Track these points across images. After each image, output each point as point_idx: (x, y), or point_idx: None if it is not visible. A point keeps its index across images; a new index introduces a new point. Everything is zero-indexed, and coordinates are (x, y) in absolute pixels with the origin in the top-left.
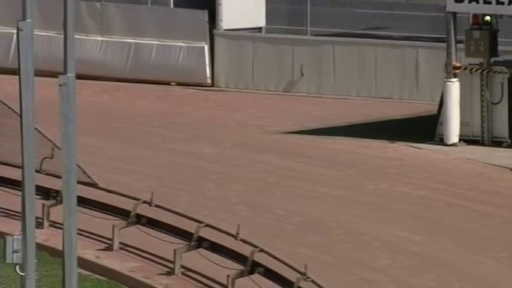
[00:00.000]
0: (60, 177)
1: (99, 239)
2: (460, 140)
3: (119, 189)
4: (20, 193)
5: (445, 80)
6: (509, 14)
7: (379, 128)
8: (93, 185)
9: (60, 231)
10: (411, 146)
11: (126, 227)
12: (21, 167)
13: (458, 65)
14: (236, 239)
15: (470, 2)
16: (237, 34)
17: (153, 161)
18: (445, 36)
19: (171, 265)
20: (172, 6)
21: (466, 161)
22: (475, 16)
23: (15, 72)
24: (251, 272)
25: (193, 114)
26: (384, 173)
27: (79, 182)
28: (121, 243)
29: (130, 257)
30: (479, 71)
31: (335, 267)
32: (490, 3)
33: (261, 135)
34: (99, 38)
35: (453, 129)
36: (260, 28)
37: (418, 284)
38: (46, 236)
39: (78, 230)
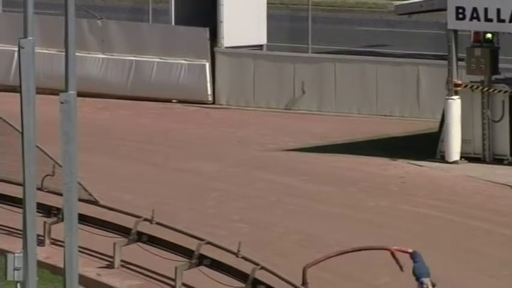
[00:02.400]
0: (61, 195)
1: (100, 256)
2: (461, 157)
3: (119, 206)
4: (21, 210)
5: (446, 97)
6: (510, 31)
7: (380, 146)
8: (94, 202)
9: (61, 248)
10: (412, 164)
11: (127, 244)
12: (23, 185)
13: (459, 82)
14: (237, 256)
15: (471, 19)
16: (238, 52)
17: (154, 178)
18: (446, 53)
19: (172, 283)
20: (173, 23)
21: (467, 179)
22: (476, 34)
23: (17, 89)
24: None
25: (195, 132)
26: (385, 191)
27: (80, 200)
28: (122, 260)
29: (131, 275)
30: (480, 89)
31: (335, 285)
32: (491, 20)
33: (262, 152)
34: (101, 56)
35: (454, 147)
36: (261, 46)
37: None
38: (47, 253)
39: (79, 247)
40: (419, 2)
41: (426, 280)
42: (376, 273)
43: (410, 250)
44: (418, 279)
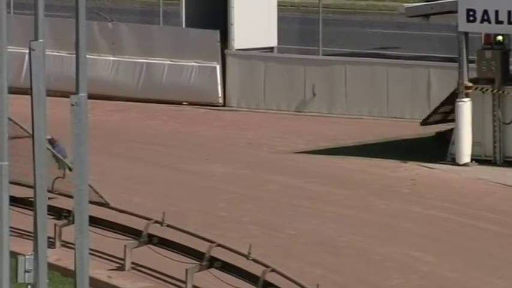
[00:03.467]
0: (72, 197)
1: (111, 258)
2: (472, 159)
3: (130, 209)
4: (31, 213)
5: (457, 99)
6: None
7: (391, 148)
8: (105, 204)
9: (72, 251)
10: (423, 166)
11: (137, 246)
12: (33, 187)
13: (470, 84)
14: (248, 258)
15: (482, 21)
16: (249, 54)
17: (165, 180)
18: (457, 56)
19: (182, 285)
20: (184, 26)
21: (477, 181)
22: (487, 36)
23: (27, 92)
24: None
25: (205, 134)
26: (396, 193)
27: (91, 202)
28: (133, 263)
29: (142, 277)
30: (491, 91)
31: (346, 287)
32: (502, 23)
33: (272, 155)
34: (111, 58)
35: (465, 149)
36: (272, 48)
37: None
38: (58, 255)
39: (90, 249)
40: (429, 4)
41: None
42: (388, 275)
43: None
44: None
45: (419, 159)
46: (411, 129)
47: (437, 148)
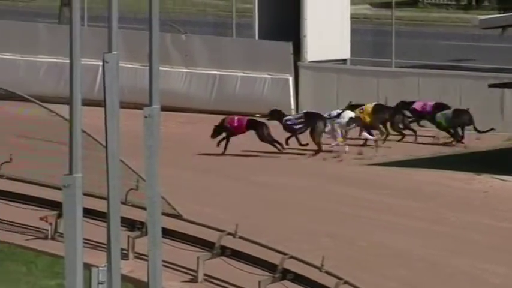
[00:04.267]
0: (145, 209)
1: (184, 270)
2: None
3: (202, 220)
4: (105, 224)
5: None
6: None
7: (465, 160)
8: (178, 216)
9: (145, 262)
10: (497, 178)
11: (210, 258)
12: (107, 199)
13: None
14: (321, 270)
15: None
16: (322, 66)
17: (237, 192)
18: None
19: None
20: (257, 38)
21: None
22: None
23: (101, 104)
24: None
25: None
26: (467, 205)
27: (163, 214)
28: (205, 274)
29: None
30: None
31: None
32: None
33: (346, 167)
34: (184, 70)
35: None
36: (344, 60)
37: None
38: (131, 267)
39: (163, 261)
40: (504, 16)
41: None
42: (460, 287)
43: None
44: None
45: (493, 172)
46: (485, 141)
47: (511, 160)
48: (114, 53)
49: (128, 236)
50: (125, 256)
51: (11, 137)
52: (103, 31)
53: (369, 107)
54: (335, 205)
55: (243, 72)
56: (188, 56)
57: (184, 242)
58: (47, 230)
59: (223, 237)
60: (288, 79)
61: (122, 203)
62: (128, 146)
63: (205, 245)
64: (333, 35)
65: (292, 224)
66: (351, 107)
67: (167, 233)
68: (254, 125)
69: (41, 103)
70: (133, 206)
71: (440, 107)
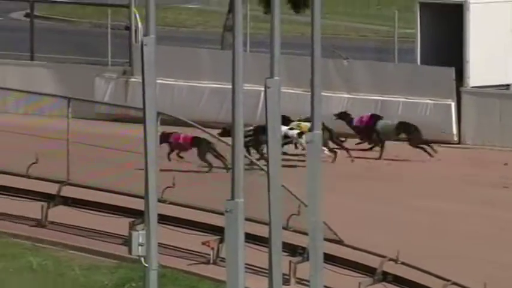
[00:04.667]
0: (306, 234)
1: None
2: None
3: (363, 246)
4: (266, 249)
5: None
6: None
7: None
8: (339, 242)
9: None
10: None
11: (372, 284)
12: (268, 224)
13: None
14: None
15: None
16: (485, 91)
17: (397, 218)
18: None
19: None
20: (419, 63)
21: None
22: None
23: None
24: None
25: (438, 171)
26: None
27: (325, 239)
28: None
29: None
30: None
31: None
32: None
33: (504, 192)
34: (345, 95)
35: None
36: (508, 85)
37: None
38: None
39: (325, 286)
40: None
41: None
42: None
43: None
44: None
45: None
46: None
47: None
48: (276, 78)
49: (290, 261)
50: (286, 281)
51: (173, 162)
52: (265, 57)
53: None
54: (497, 230)
55: (405, 98)
56: (350, 81)
57: (345, 267)
58: (209, 255)
59: (385, 263)
60: (450, 105)
61: (284, 228)
62: (287, 171)
63: (367, 270)
64: (497, 60)
65: (452, 249)
66: None
67: (327, 258)
68: (198, 143)
69: (203, 128)
70: (294, 231)
71: None
